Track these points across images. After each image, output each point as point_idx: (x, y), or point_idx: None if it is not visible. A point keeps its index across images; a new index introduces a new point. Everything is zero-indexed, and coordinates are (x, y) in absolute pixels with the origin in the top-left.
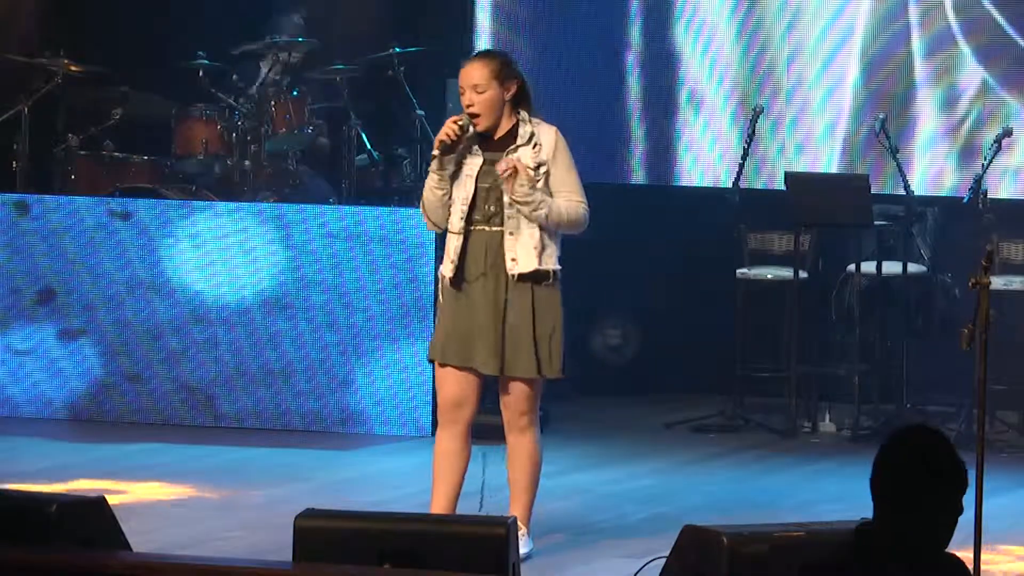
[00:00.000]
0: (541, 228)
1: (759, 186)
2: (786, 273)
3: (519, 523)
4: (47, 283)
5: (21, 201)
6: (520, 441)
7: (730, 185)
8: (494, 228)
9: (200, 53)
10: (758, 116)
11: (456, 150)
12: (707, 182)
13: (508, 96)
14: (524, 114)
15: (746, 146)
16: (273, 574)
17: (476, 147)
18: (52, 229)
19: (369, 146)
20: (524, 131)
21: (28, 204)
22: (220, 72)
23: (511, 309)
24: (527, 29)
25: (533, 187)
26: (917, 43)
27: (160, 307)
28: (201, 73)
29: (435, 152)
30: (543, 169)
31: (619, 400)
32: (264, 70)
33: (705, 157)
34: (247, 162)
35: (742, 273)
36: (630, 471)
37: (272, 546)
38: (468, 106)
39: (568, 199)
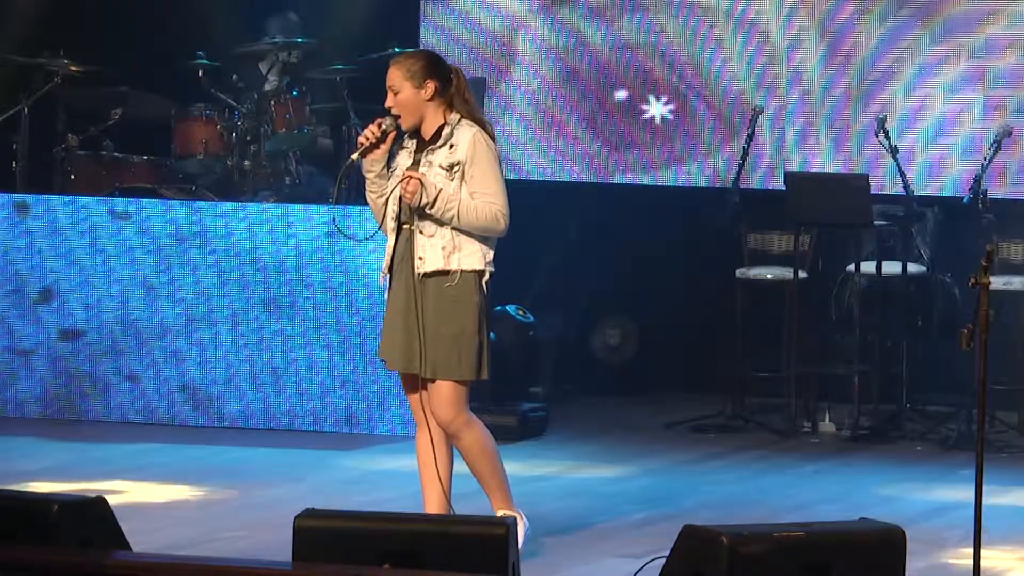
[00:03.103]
0: (457, 228)
1: (759, 186)
2: (786, 273)
3: (507, 508)
4: (48, 283)
5: (21, 201)
6: (458, 445)
7: (730, 185)
8: (412, 227)
9: (200, 53)
10: (758, 116)
11: (382, 151)
12: (707, 182)
13: (425, 96)
14: (453, 115)
15: (746, 146)
16: (273, 574)
17: (409, 147)
18: (53, 229)
19: None
20: (445, 132)
21: (28, 204)
22: (220, 72)
23: (423, 308)
24: (521, 25)
25: (437, 198)
26: (918, 35)
27: (161, 306)
28: (201, 73)
29: (353, 156)
30: (456, 169)
31: (619, 400)
32: (264, 70)
33: (705, 157)
34: (247, 162)
35: (742, 273)
36: (630, 471)
37: (272, 546)
38: (390, 107)
39: (484, 200)
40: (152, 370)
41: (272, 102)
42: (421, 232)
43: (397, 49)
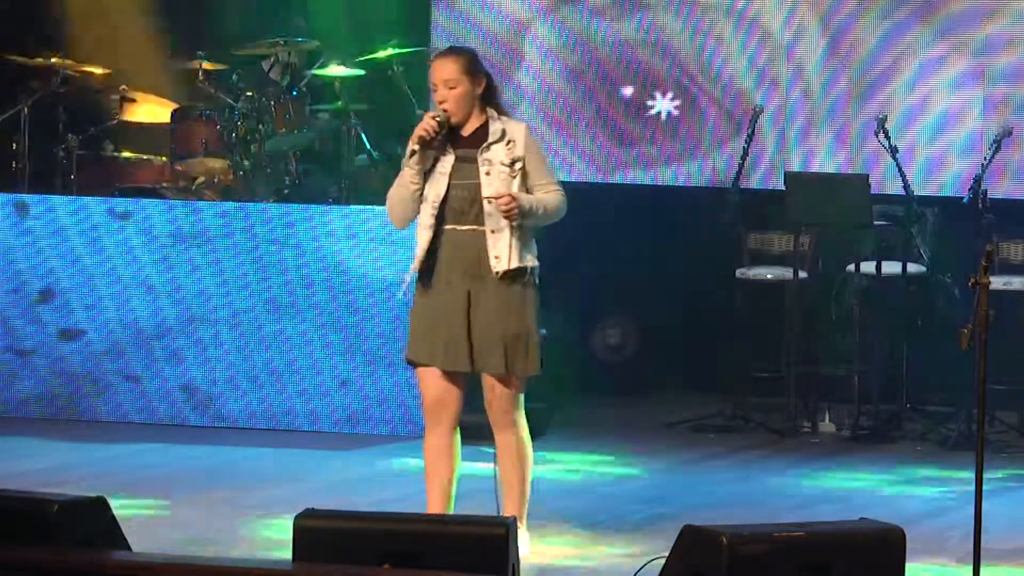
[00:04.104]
0: (521, 226)
1: (759, 186)
2: (786, 273)
3: (517, 520)
4: (48, 283)
5: (21, 201)
6: (505, 438)
7: (730, 185)
8: (466, 227)
9: (200, 53)
10: (758, 116)
11: (433, 145)
12: (707, 182)
13: (479, 91)
14: (492, 111)
15: (746, 146)
16: (273, 574)
17: (448, 145)
18: (53, 229)
19: (369, 146)
20: (495, 128)
21: (28, 204)
22: (220, 72)
23: (484, 307)
24: (522, 26)
25: (531, 208)
26: (919, 33)
27: (162, 306)
28: (201, 73)
29: (413, 147)
30: (518, 165)
31: (619, 400)
32: (265, 70)
33: (705, 156)
34: (247, 162)
35: (742, 273)
36: (630, 471)
37: (272, 546)
38: (440, 102)
39: (547, 191)
40: (152, 370)
41: (272, 102)
42: (492, 231)
43: (397, 50)
